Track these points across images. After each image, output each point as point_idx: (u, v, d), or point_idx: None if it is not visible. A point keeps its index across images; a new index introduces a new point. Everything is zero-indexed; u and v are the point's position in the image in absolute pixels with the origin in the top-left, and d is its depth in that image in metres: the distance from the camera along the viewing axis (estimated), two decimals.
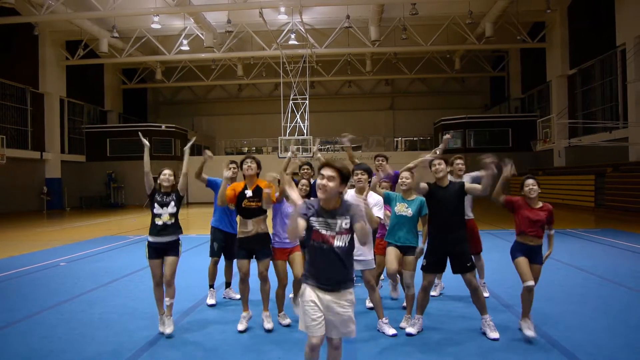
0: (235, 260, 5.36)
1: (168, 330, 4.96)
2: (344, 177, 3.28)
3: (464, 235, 5.01)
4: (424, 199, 5.18)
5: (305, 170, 6.33)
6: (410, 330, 4.96)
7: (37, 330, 5.31)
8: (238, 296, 6.11)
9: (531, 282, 4.72)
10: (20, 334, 5.21)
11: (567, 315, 5.49)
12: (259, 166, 5.29)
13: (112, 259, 10.03)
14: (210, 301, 6.18)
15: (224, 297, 6.45)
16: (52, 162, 28.91)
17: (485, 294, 6.27)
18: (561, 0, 25.42)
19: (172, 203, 5.12)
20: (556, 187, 24.62)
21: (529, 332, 4.69)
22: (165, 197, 5.15)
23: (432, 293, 6.31)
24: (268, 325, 5.12)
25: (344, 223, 3.25)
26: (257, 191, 5.15)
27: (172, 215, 5.10)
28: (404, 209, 5.25)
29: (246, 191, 5.16)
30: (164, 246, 5.07)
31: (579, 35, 25.86)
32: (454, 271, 5.02)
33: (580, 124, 25.42)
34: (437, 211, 4.98)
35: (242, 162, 5.28)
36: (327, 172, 3.24)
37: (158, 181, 5.20)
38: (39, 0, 22.06)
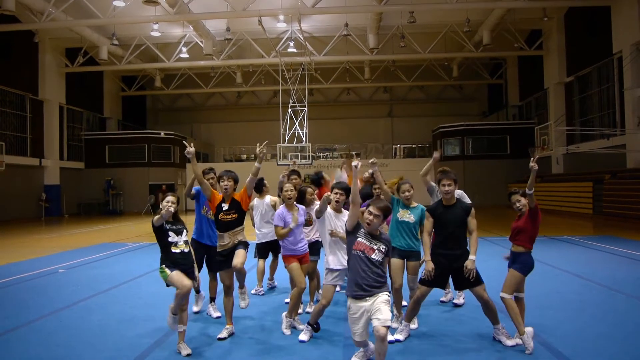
0: (217, 274, 5.35)
1: (186, 351, 4.69)
2: (385, 215, 4.28)
3: (466, 252, 5.00)
4: (424, 208, 5.39)
5: (294, 180, 6.31)
6: (398, 336, 5.02)
7: (36, 337, 5.31)
8: (217, 315, 6.03)
9: (503, 294, 4.85)
10: (18, 341, 5.21)
11: (565, 322, 5.51)
12: (235, 182, 5.26)
13: (111, 266, 10.03)
14: (196, 308, 6.18)
15: (207, 314, 6.18)
16: (51, 168, 28.91)
17: (461, 300, 6.40)
18: (558, 8, 25.56)
19: (185, 231, 4.95)
20: (554, 194, 24.65)
21: (519, 342, 4.77)
22: (177, 224, 4.95)
23: (455, 301, 6.39)
24: (222, 334, 5.14)
25: (382, 247, 4.19)
26: (233, 204, 5.16)
27: (187, 243, 4.93)
28: (406, 215, 5.43)
29: (223, 204, 5.14)
30: (184, 268, 4.84)
31: (575, 42, 26.00)
32: (457, 287, 5.18)
33: (577, 131, 25.52)
34: (441, 228, 5.04)
35: (219, 178, 5.23)
36: (373, 210, 4.18)
37: (160, 206, 4.86)
38: (39, 8, 22.13)
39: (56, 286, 8.08)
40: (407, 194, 5.44)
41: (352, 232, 4.26)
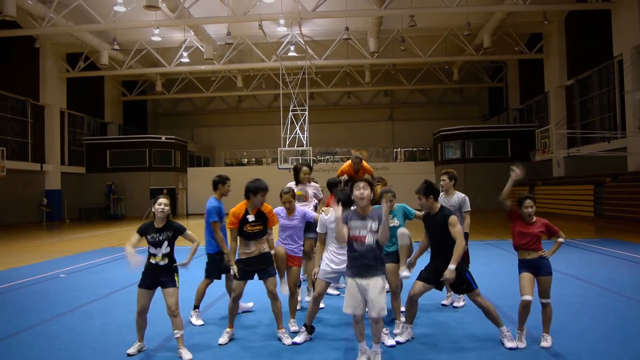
0: (234, 280, 5.23)
1: (187, 356, 4.69)
2: (372, 186, 4.54)
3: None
4: (403, 204, 5.55)
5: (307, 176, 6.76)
6: (399, 339, 5.04)
7: (37, 341, 5.32)
8: (250, 304, 6.28)
9: (527, 297, 4.77)
10: (20, 345, 5.22)
11: (566, 324, 5.51)
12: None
13: (112, 271, 10.04)
14: (198, 322, 5.89)
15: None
16: (52, 173, 28.95)
17: (461, 303, 6.43)
18: (558, 11, 25.61)
19: (166, 243, 4.79)
20: (555, 197, 24.65)
21: (520, 344, 4.80)
22: (158, 235, 4.77)
23: (455, 304, 6.43)
24: (287, 341, 5.08)
25: (374, 225, 4.33)
26: (259, 215, 5.15)
27: (165, 255, 4.79)
28: (389, 220, 5.33)
29: (248, 216, 5.10)
30: (158, 276, 4.81)
31: (576, 46, 26.04)
32: (453, 290, 5.27)
33: (578, 134, 25.51)
34: (430, 236, 5.13)
35: (255, 193, 5.07)
36: (362, 183, 4.42)
37: (152, 210, 4.83)
38: (40, 13, 22.23)
39: (57, 291, 8.08)
40: (388, 203, 5.41)
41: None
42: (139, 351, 4.84)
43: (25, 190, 27.07)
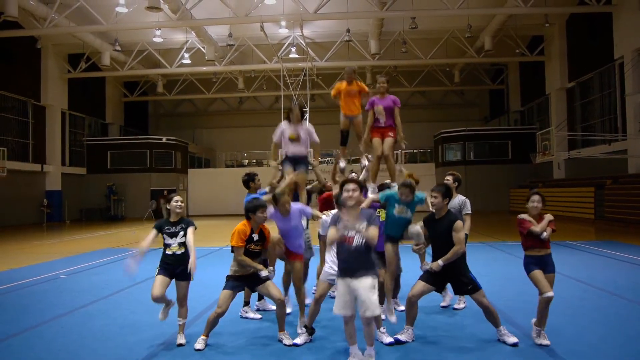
0: (222, 291, 5.07)
1: (181, 341, 5.11)
2: (362, 187, 4.55)
3: (459, 261, 5.00)
4: (418, 196, 5.56)
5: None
6: (399, 337, 5.06)
7: (37, 343, 5.32)
8: (254, 316, 6.20)
9: (550, 293, 4.79)
10: (19, 346, 5.22)
11: (566, 326, 5.51)
12: None
13: (112, 272, 10.03)
14: (256, 315, 6.20)
15: (242, 316, 6.19)
16: (53, 174, 28.96)
17: (462, 305, 6.46)
18: (559, 14, 25.60)
19: (182, 233, 5.11)
20: (556, 199, 24.61)
21: (544, 341, 4.85)
22: (173, 226, 5.13)
23: (455, 305, 6.42)
24: (287, 342, 5.07)
25: (362, 226, 4.30)
26: (261, 234, 5.18)
27: (181, 244, 5.10)
28: (403, 212, 5.51)
29: (253, 235, 5.11)
30: (175, 269, 5.09)
31: (577, 48, 26.04)
32: (455, 292, 5.30)
33: (579, 137, 25.52)
34: (433, 240, 5.17)
35: (255, 211, 5.06)
36: (352, 185, 4.39)
37: (168, 207, 5.16)
38: (42, 14, 22.26)
39: (57, 292, 8.08)
40: (403, 197, 5.46)
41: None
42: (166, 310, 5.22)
43: (25, 191, 27.05)
